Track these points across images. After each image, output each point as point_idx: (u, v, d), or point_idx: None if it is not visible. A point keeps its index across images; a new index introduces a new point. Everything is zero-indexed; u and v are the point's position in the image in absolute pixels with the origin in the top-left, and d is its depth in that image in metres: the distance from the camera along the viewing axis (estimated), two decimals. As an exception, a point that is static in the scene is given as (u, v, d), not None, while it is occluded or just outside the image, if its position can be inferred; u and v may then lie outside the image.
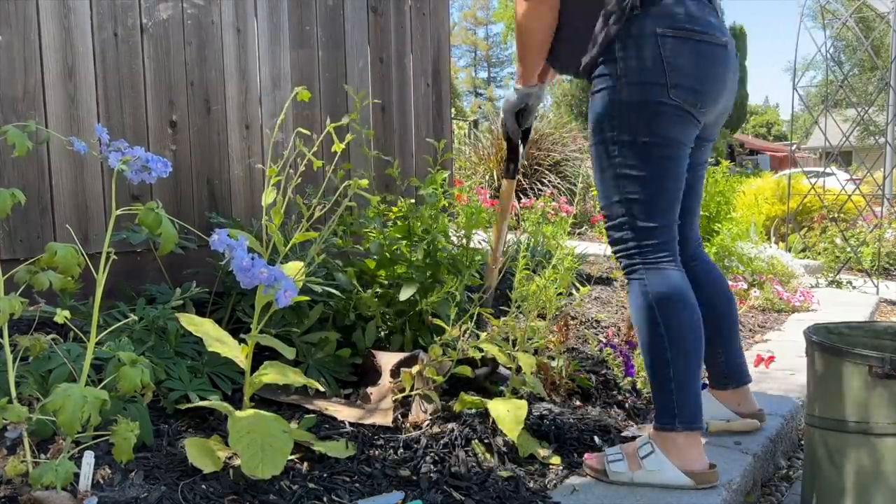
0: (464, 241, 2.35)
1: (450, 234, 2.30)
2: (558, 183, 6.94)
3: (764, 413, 1.98)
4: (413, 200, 2.36)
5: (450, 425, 1.75)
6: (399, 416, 1.81)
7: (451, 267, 2.20)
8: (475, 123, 11.16)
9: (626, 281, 1.67)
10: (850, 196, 6.14)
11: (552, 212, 4.59)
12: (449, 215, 2.27)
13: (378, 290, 2.10)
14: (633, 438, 1.86)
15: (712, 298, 1.84)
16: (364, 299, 2.03)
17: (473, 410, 1.83)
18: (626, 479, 1.59)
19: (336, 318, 2.09)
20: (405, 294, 2.06)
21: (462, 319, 1.91)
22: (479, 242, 3.62)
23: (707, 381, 1.98)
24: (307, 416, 1.72)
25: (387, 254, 2.14)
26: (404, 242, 2.19)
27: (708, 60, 1.57)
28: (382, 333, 2.11)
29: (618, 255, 1.67)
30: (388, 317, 2.13)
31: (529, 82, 1.82)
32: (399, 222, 2.28)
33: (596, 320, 2.98)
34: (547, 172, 7.07)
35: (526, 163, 7.07)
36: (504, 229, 2.07)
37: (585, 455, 1.68)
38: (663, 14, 1.54)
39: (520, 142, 2.00)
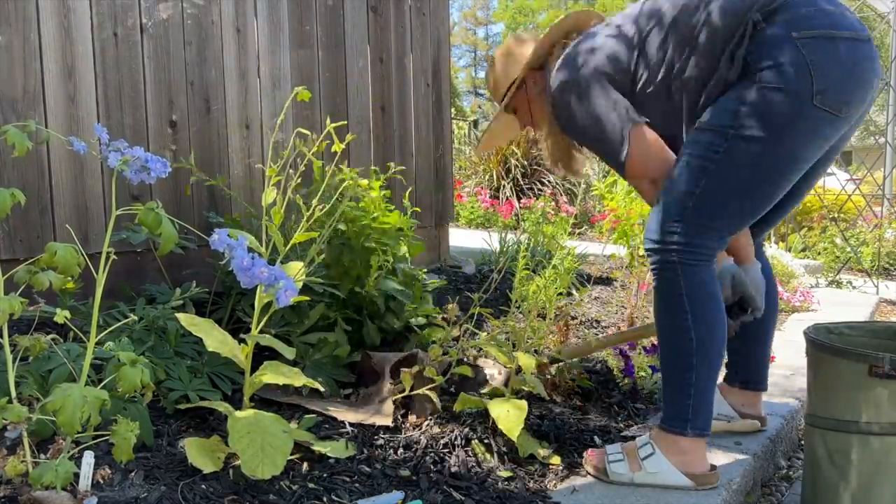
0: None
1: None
2: (559, 183, 6.94)
3: (766, 419, 1.95)
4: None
5: (450, 425, 1.75)
6: (399, 416, 1.81)
7: (380, 242, 2.14)
8: (475, 123, 11.16)
9: (654, 278, 1.58)
10: (850, 196, 6.14)
11: (552, 212, 4.59)
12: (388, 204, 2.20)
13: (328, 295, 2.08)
14: (633, 439, 1.86)
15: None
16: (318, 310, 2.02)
17: (473, 410, 1.83)
18: (626, 479, 1.58)
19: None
20: (344, 290, 2.03)
21: (462, 319, 1.91)
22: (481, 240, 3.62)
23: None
24: (307, 416, 1.72)
25: (334, 256, 2.11)
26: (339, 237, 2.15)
27: (853, 60, 1.45)
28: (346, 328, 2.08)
29: (654, 248, 1.57)
30: (348, 318, 2.12)
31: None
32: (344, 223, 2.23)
33: (596, 320, 2.98)
34: (547, 172, 7.07)
35: (525, 162, 7.07)
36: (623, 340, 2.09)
37: (587, 452, 1.68)
38: (795, 17, 1.45)
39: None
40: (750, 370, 1.90)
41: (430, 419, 1.80)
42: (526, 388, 1.90)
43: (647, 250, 1.59)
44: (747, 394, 1.91)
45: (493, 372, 1.99)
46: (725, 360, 1.91)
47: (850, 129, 1.59)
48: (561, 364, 2.12)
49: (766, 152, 1.47)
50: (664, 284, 1.57)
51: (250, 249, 1.27)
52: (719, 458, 1.76)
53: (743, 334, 1.80)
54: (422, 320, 2.27)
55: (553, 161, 1.84)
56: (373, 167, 2.67)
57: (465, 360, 1.84)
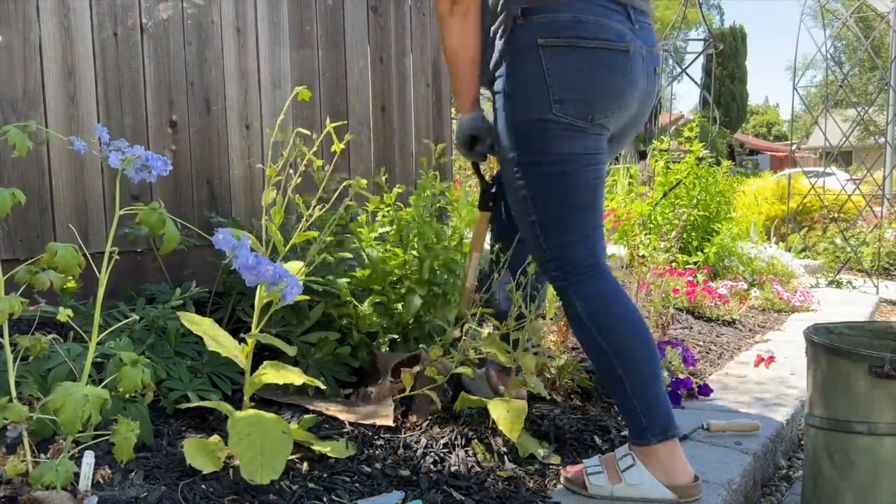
0: (459, 239, 2.32)
1: (443, 235, 2.26)
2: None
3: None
4: (400, 203, 2.33)
5: (450, 425, 1.75)
6: (399, 416, 1.81)
7: (448, 272, 2.18)
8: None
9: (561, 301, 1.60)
10: (850, 196, 6.14)
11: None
12: (439, 217, 2.23)
13: (377, 300, 2.07)
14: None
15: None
16: (364, 316, 2.01)
17: (473, 410, 1.83)
18: (606, 492, 1.52)
19: (342, 328, 2.08)
20: (410, 311, 2.03)
21: (462, 320, 1.91)
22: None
23: None
24: (307, 415, 1.72)
25: (384, 268, 2.11)
26: (399, 251, 2.17)
27: (599, 69, 1.46)
28: (384, 348, 2.09)
29: (548, 279, 1.61)
30: (390, 329, 2.11)
31: (469, 109, 1.66)
32: (389, 227, 2.25)
33: (596, 320, 2.98)
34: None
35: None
36: (475, 263, 1.95)
37: (566, 467, 1.62)
38: (546, 22, 1.45)
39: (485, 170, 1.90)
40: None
41: (431, 419, 1.80)
42: (526, 389, 1.90)
43: (548, 277, 1.60)
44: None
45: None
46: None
47: (619, 137, 1.61)
48: (561, 363, 2.12)
49: (543, 162, 1.51)
50: (565, 309, 1.58)
51: (252, 249, 1.27)
52: (719, 458, 1.76)
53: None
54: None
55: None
56: (379, 171, 2.67)
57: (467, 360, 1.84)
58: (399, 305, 2.07)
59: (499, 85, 1.53)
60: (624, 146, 1.70)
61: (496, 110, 1.55)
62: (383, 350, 2.06)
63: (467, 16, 1.56)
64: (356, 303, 2.03)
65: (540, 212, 1.53)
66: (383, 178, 2.25)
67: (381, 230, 2.21)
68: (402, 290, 2.09)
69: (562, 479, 1.60)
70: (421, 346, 2.08)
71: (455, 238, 2.23)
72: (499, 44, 1.51)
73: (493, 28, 1.54)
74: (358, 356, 2.02)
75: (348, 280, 2.04)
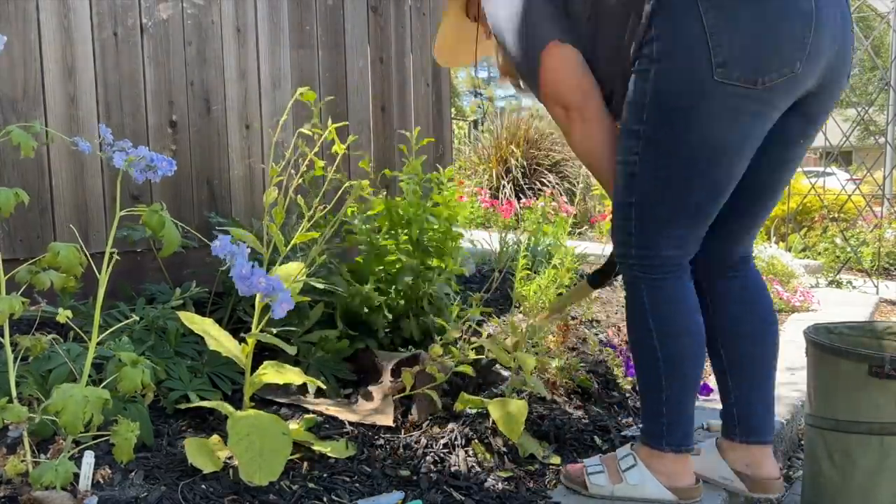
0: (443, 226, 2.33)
1: (432, 221, 2.28)
2: (558, 183, 6.94)
3: (780, 481, 1.55)
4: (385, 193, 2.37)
5: (450, 425, 1.75)
6: (399, 416, 1.81)
7: (437, 251, 2.20)
8: (475, 123, 11.16)
9: (626, 290, 1.50)
10: (850, 196, 6.14)
11: (552, 212, 4.59)
12: (434, 204, 2.24)
13: (377, 283, 2.11)
14: (633, 439, 1.86)
15: (740, 320, 1.55)
16: (368, 294, 2.03)
17: (474, 410, 1.83)
18: (606, 492, 1.50)
19: (347, 314, 2.10)
20: (401, 283, 2.06)
21: (463, 319, 1.91)
22: (480, 241, 3.62)
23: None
24: (307, 415, 1.72)
25: (374, 250, 2.15)
26: (388, 232, 2.20)
27: (773, 19, 1.24)
28: (388, 321, 2.11)
29: (621, 262, 1.49)
30: (392, 306, 2.14)
31: None
32: (380, 216, 2.28)
33: (596, 320, 2.98)
34: (546, 172, 7.07)
35: (525, 163, 7.07)
36: (550, 317, 1.96)
37: (566, 465, 1.60)
38: None
39: None
40: (751, 419, 1.55)
41: (431, 419, 1.80)
42: (526, 388, 1.90)
43: (618, 264, 1.50)
44: (751, 449, 1.55)
45: (506, 373, 2.00)
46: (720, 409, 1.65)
47: (815, 98, 1.36)
48: (561, 363, 2.12)
49: (681, 144, 1.32)
50: (630, 299, 1.48)
51: (252, 254, 1.27)
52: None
53: (738, 374, 1.56)
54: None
55: (502, 72, 1.66)
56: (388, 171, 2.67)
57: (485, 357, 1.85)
58: (392, 289, 2.12)
59: (644, 50, 1.31)
60: (815, 125, 1.43)
61: (634, 75, 1.34)
62: (382, 319, 2.08)
63: (585, 115, 1.42)
64: (357, 285, 2.05)
65: (656, 197, 1.37)
66: (367, 165, 2.28)
67: (371, 214, 2.22)
68: (396, 269, 2.12)
69: (562, 478, 1.59)
70: (422, 319, 2.09)
71: (444, 218, 2.23)
72: (647, 7, 1.29)
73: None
74: (366, 319, 2.05)
75: (348, 268, 2.07)
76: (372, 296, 2.05)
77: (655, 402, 1.47)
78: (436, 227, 2.16)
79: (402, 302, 2.13)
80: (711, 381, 2.45)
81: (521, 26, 1.42)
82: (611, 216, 1.47)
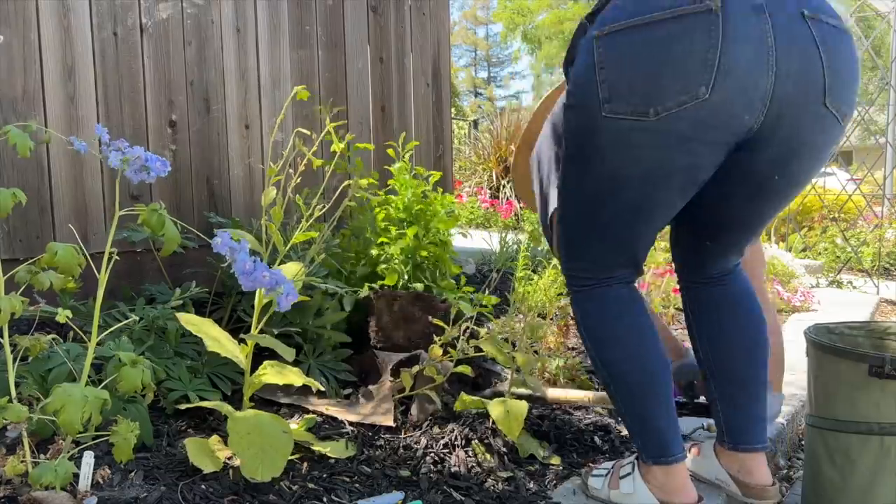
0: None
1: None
2: (558, 183, 6.92)
3: (776, 489, 1.49)
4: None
5: (450, 425, 1.75)
6: (399, 416, 1.81)
7: (433, 268, 2.24)
8: (475, 123, 11.16)
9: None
10: (850, 196, 6.14)
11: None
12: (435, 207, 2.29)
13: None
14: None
15: (720, 327, 1.50)
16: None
17: (473, 410, 1.83)
18: (602, 495, 1.49)
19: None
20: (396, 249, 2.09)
21: (462, 319, 1.91)
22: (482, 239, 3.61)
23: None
24: (307, 416, 1.72)
25: (370, 235, 2.18)
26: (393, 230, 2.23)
27: (664, 41, 1.14)
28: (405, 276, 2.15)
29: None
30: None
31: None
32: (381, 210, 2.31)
33: (596, 320, 2.98)
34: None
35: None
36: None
37: (589, 464, 1.62)
38: (607, 12, 1.22)
39: None
40: (739, 426, 1.51)
41: (431, 419, 1.80)
42: (526, 389, 1.90)
43: None
44: (740, 456, 1.50)
45: (506, 373, 2.00)
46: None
47: (773, 137, 1.21)
48: (561, 363, 2.12)
49: (584, 174, 1.32)
50: (574, 314, 1.49)
51: (252, 252, 1.27)
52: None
53: (721, 381, 1.51)
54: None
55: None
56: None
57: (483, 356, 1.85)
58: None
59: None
60: (798, 155, 1.27)
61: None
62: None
63: None
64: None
65: (567, 212, 1.40)
66: (361, 165, 2.31)
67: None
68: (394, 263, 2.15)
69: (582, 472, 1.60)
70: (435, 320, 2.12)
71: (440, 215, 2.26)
72: (568, 58, 1.32)
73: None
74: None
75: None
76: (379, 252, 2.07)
77: (620, 414, 1.45)
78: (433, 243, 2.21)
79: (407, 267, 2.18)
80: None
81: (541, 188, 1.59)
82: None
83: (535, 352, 2.11)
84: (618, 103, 1.18)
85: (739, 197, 1.34)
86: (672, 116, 1.16)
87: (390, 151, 2.48)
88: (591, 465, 1.63)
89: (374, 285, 2.13)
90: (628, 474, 1.47)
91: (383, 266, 2.18)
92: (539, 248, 3.59)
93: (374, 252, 2.16)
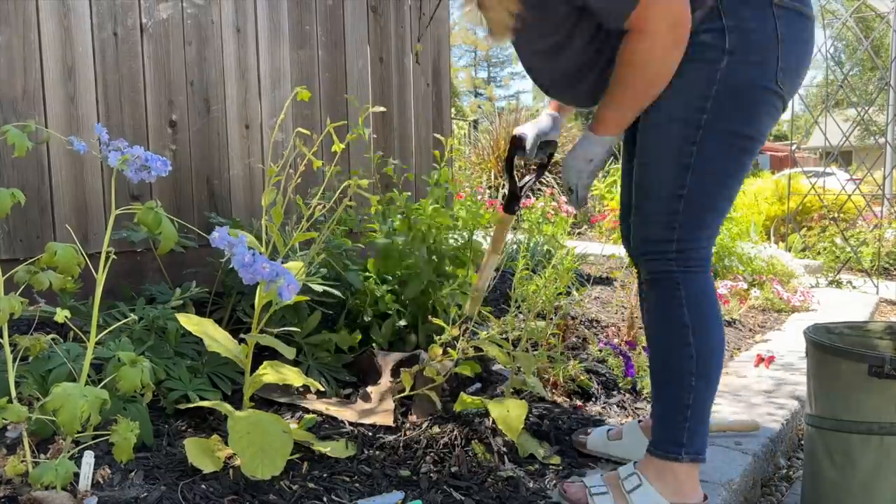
0: (465, 234, 2.36)
1: (450, 228, 2.31)
2: (559, 182, 6.94)
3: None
4: (408, 194, 2.38)
5: (450, 425, 1.75)
6: (399, 416, 1.81)
7: (455, 260, 2.21)
8: (475, 123, 11.16)
9: (649, 287, 1.44)
10: (850, 196, 6.14)
11: (552, 212, 4.59)
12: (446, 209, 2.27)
13: (388, 286, 2.12)
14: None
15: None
16: (385, 299, 2.06)
17: (473, 410, 1.83)
18: None
19: (349, 315, 2.10)
20: (411, 291, 2.07)
21: (462, 319, 1.91)
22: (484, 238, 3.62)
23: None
24: (307, 415, 1.72)
25: (394, 254, 2.16)
26: (409, 234, 2.21)
27: (807, 39, 1.35)
28: (401, 324, 2.13)
29: (650, 257, 1.43)
30: (402, 313, 2.15)
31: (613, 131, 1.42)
32: (399, 218, 2.29)
33: (596, 320, 2.98)
34: (546, 173, 7.07)
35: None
36: (492, 265, 1.75)
37: (563, 484, 1.51)
38: None
39: (533, 173, 1.76)
40: None
41: (431, 419, 1.80)
42: (526, 388, 1.90)
43: (643, 259, 1.44)
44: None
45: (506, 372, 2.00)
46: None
47: None
48: (561, 363, 2.12)
49: (738, 137, 1.34)
50: (662, 295, 1.41)
51: (250, 247, 1.27)
52: (719, 457, 1.76)
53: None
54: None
55: (496, 25, 1.41)
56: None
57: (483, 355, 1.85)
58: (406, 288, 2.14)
59: (710, 38, 1.29)
60: None
61: (696, 63, 1.30)
62: (396, 328, 2.09)
63: (680, 46, 1.30)
64: (374, 289, 2.06)
65: (705, 188, 1.35)
66: (357, 172, 2.29)
67: (390, 222, 2.24)
68: (408, 273, 2.13)
69: (560, 497, 1.49)
70: (432, 333, 2.10)
71: (463, 228, 2.26)
72: None
73: None
74: (371, 334, 2.08)
75: (361, 270, 2.10)
76: (388, 301, 2.06)
77: (680, 406, 1.40)
78: (455, 236, 2.19)
79: (411, 309, 2.15)
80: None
81: None
82: (640, 211, 1.42)
83: (535, 351, 2.11)
84: (784, 78, 1.34)
85: None
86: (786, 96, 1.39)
87: (388, 169, 2.49)
88: (566, 486, 1.50)
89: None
90: (637, 486, 1.42)
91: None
92: (539, 248, 3.59)
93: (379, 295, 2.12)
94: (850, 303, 4.29)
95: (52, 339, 1.31)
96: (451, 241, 2.30)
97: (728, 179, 1.37)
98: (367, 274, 2.13)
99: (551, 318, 2.24)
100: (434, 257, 2.19)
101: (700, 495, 1.43)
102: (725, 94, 1.31)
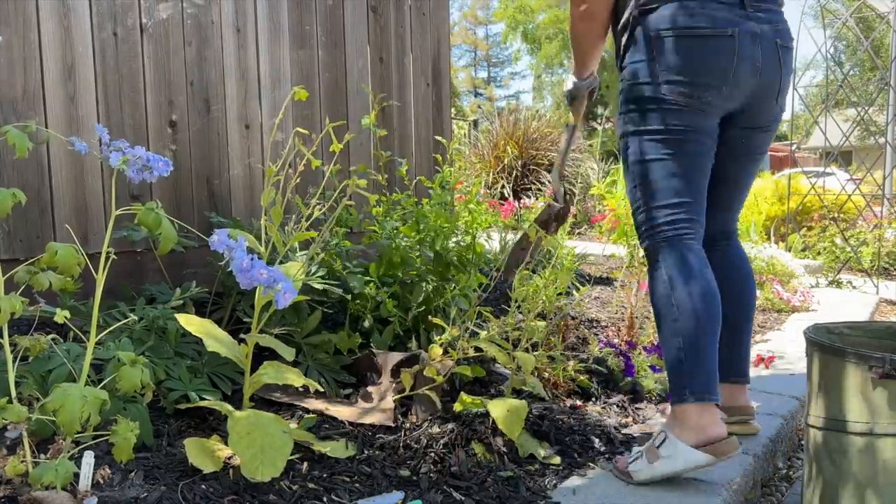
0: (467, 238, 2.35)
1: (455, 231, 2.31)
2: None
3: (752, 409, 1.91)
4: (409, 194, 2.36)
5: (450, 425, 1.75)
6: (399, 416, 1.81)
7: (460, 265, 2.21)
8: (475, 123, 11.16)
9: (647, 264, 1.72)
10: (850, 196, 6.14)
11: (552, 212, 4.58)
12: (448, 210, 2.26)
13: (389, 290, 2.11)
14: (633, 439, 1.86)
15: (734, 284, 1.85)
16: (387, 305, 2.05)
17: (473, 410, 1.83)
18: (647, 475, 1.57)
19: (349, 318, 2.10)
20: (416, 296, 2.07)
21: (462, 319, 1.91)
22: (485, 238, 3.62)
23: None
24: (307, 416, 1.72)
25: (397, 258, 2.15)
26: (414, 237, 2.20)
27: (706, 53, 1.61)
28: (401, 331, 2.12)
29: (640, 239, 1.73)
30: (403, 320, 2.14)
31: (583, 75, 1.96)
32: (404, 220, 2.28)
33: (596, 320, 2.98)
34: (546, 173, 7.07)
35: (522, 162, 7.10)
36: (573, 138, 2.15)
37: (616, 458, 1.69)
38: (660, 17, 1.64)
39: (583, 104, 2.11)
40: (732, 360, 1.87)
41: (431, 419, 1.80)
42: (526, 388, 1.90)
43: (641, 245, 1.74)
44: (728, 388, 1.87)
45: (506, 372, 2.00)
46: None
47: (753, 113, 1.72)
48: (561, 363, 2.12)
49: (647, 133, 1.69)
50: (649, 265, 1.71)
51: (250, 250, 1.27)
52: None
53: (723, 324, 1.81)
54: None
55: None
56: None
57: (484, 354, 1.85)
58: (409, 294, 2.13)
59: (623, 69, 1.71)
60: (761, 121, 1.76)
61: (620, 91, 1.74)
62: (397, 332, 2.09)
63: (585, 20, 1.77)
64: (375, 293, 2.06)
65: (647, 176, 1.68)
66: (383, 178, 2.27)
67: (394, 223, 2.23)
68: (414, 277, 2.12)
69: (612, 471, 1.66)
70: (434, 320, 2.10)
71: (469, 232, 2.26)
72: (623, 35, 1.70)
73: (618, 23, 1.73)
74: (372, 339, 2.08)
75: (362, 272, 2.09)
76: (390, 306, 2.05)
77: (675, 349, 1.61)
78: (459, 238, 2.19)
79: (412, 314, 2.14)
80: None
81: None
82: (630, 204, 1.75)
83: (535, 349, 2.11)
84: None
85: (740, 156, 1.80)
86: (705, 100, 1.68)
87: (401, 172, 2.48)
88: (617, 459, 1.67)
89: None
90: (664, 440, 1.58)
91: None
92: (537, 248, 3.59)
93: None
94: (850, 303, 4.28)
95: (52, 340, 1.31)
96: (451, 243, 2.29)
97: (660, 167, 1.67)
98: (367, 278, 2.12)
99: (551, 318, 2.24)
100: (439, 262, 2.18)
101: (723, 431, 1.56)
102: (634, 104, 1.68)
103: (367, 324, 2.08)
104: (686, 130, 1.63)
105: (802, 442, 2.17)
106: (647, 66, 1.63)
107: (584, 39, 1.84)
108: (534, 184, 6.96)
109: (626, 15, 1.68)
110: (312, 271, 1.94)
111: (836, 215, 6.27)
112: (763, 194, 7.42)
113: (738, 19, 1.62)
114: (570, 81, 2.02)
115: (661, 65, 1.61)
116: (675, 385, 1.62)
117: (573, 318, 2.83)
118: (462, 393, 1.82)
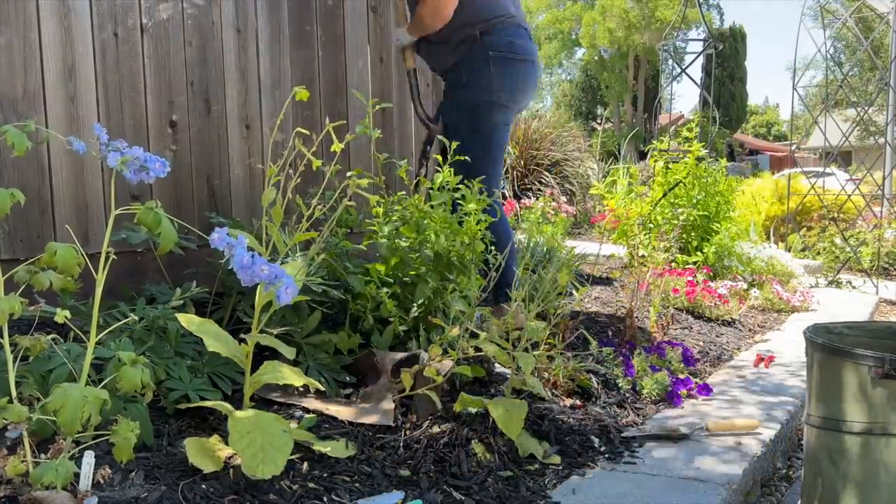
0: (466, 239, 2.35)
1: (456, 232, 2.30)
2: (558, 182, 6.94)
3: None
4: (404, 195, 2.36)
5: (450, 425, 1.75)
6: (399, 416, 1.81)
7: (460, 265, 2.20)
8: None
9: None
10: (849, 196, 6.14)
11: (552, 212, 4.59)
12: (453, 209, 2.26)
13: (389, 290, 2.11)
14: (633, 439, 1.86)
15: None
16: (387, 305, 2.05)
17: (473, 410, 1.83)
18: None
19: (349, 318, 2.09)
20: (419, 297, 2.07)
21: (462, 318, 1.91)
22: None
23: None
24: (307, 415, 1.72)
25: (398, 258, 2.15)
26: (415, 238, 2.19)
27: (521, 74, 2.43)
28: (401, 331, 2.12)
29: None
30: (403, 319, 2.14)
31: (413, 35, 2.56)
32: (403, 220, 2.27)
33: (596, 320, 2.98)
34: (545, 172, 7.07)
35: (523, 162, 7.10)
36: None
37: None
38: (492, 43, 2.37)
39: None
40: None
41: (431, 419, 1.80)
42: (526, 388, 1.90)
43: None
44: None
45: (507, 372, 2.00)
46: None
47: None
48: (561, 363, 2.12)
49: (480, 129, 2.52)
50: None
51: (250, 248, 1.27)
52: (719, 457, 1.76)
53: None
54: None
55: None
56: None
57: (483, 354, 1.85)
58: (410, 294, 2.12)
59: (454, 77, 2.49)
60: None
61: (450, 94, 2.53)
62: (397, 332, 2.09)
63: (433, 14, 2.40)
64: (375, 293, 2.06)
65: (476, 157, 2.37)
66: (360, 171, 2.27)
67: (394, 224, 2.22)
68: (414, 277, 2.12)
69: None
70: (434, 320, 2.10)
71: (467, 234, 2.25)
72: (461, 50, 2.42)
73: (452, 42, 2.44)
74: (372, 339, 2.09)
75: (362, 273, 2.09)
76: (391, 307, 2.05)
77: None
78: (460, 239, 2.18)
79: (413, 314, 2.14)
80: (710, 380, 2.45)
81: None
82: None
83: (535, 350, 2.11)
84: None
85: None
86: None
87: (401, 172, 2.47)
88: (590, 465, 1.65)
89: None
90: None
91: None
92: (539, 248, 3.59)
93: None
94: (850, 303, 4.29)
95: (53, 339, 1.31)
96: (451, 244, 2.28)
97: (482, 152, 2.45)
98: (367, 278, 2.11)
99: (551, 318, 2.24)
100: (439, 262, 2.17)
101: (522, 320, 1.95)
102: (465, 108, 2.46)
103: (367, 324, 2.08)
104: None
105: (802, 442, 2.17)
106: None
107: (430, 29, 2.42)
108: (534, 184, 6.96)
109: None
110: (313, 271, 1.94)
111: (835, 215, 6.27)
112: (763, 194, 7.42)
113: (533, 47, 2.46)
114: (399, 35, 2.58)
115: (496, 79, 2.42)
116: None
117: (573, 318, 2.84)
118: (462, 393, 1.82)
